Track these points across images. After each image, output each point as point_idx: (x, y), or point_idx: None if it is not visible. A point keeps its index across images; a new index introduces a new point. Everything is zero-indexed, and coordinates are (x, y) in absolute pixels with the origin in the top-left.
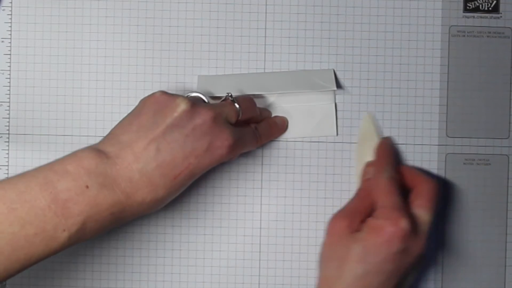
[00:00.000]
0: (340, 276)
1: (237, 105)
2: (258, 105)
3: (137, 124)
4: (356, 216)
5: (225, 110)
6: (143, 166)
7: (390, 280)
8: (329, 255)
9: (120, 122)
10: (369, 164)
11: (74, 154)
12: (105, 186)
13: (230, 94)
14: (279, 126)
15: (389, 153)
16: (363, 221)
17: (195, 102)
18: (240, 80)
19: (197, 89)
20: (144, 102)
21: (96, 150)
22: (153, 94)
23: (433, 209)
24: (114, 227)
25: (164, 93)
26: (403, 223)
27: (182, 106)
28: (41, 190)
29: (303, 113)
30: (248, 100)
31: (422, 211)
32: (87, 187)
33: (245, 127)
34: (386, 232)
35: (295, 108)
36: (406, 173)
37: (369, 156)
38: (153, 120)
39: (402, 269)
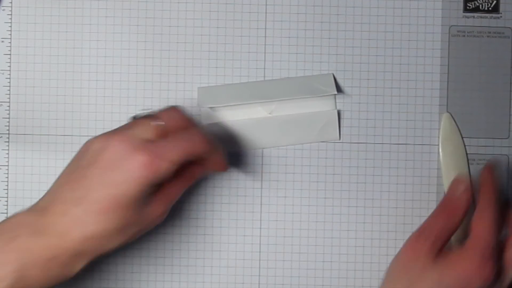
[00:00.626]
0: None
1: (161, 122)
2: (258, 115)
3: (63, 176)
4: (441, 238)
5: (136, 130)
6: (67, 208)
7: None
8: (402, 271)
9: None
10: (459, 181)
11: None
12: (35, 232)
13: (145, 113)
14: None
15: (495, 184)
16: (446, 242)
17: (110, 135)
18: (240, 89)
19: (198, 100)
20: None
21: (28, 209)
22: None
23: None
24: (68, 276)
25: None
26: (490, 269)
27: (94, 144)
28: None
29: (305, 120)
30: (171, 110)
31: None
32: (16, 236)
33: (176, 135)
34: (471, 271)
35: (297, 115)
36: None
37: (453, 159)
38: (75, 167)
39: None
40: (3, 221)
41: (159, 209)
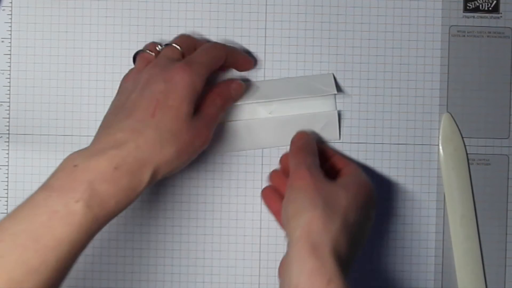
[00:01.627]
0: (329, 220)
1: (175, 45)
2: (258, 115)
3: (110, 113)
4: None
5: (164, 53)
6: (121, 126)
7: (368, 222)
8: (311, 194)
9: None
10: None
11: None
12: (92, 154)
13: (159, 47)
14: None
15: (307, 144)
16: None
17: (141, 69)
18: None
19: None
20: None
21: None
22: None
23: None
24: (138, 188)
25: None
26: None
27: (130, 77)
28: (36, 193)
29: (305, 120)
30: (183, 37)
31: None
32: (75, 165)
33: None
34: (368, 187)
35: (297, 115)
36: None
37: (453, 159)
38: (121, 101)
39: (367, 225)
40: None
41: (204, 122)
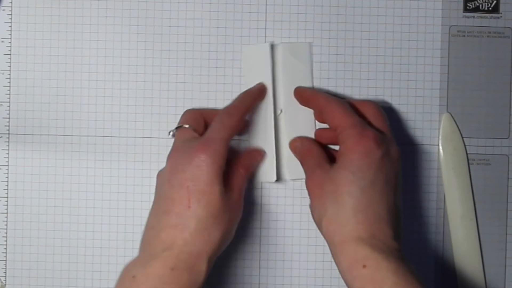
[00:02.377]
0: (341, 206)
1: (184, 125)
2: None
3: (151, 218)
4: (320, 157)
5: (178, 138)
6: (164, 225)
7: (385, 187)
8: (318, 193)
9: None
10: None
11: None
12: (146, 263)
13: (172, 130)
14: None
15: (316, 93)
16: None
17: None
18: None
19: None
20: None
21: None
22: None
23: (384, 122)
24: (199, 280)
25: None
26: (371, 132)
27: (162, 172)
28: None
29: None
30: (189, 113)
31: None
32: (133, 277)
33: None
34: (363, 146)
35: (302, 113)
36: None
37: (453, 159)
38: (158, 200)
39: (391, 173)
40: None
41: (236, 195)
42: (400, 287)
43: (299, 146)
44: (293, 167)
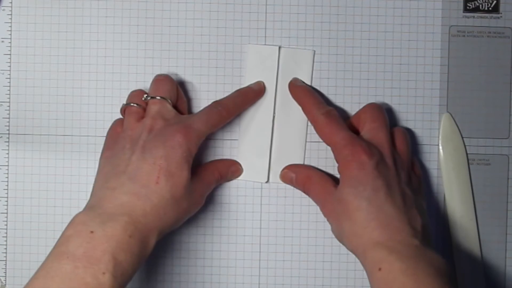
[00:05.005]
0: (354, 221)
1: (160, 97)
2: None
3: (101, 176)
4: (322, 181)
5: (155, 110)
6: (120, 191)
7: (389, 191)
8: (334, 217)
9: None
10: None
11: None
12: (105, 222)
13: (145, 97)
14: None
15: (310, 93)
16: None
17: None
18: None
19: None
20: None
21: (86, 208)
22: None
23: (383, 124)
24: (146, 253)
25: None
26: (360, 146)
27: (119, 126)
28: (59, 261)
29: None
30: (164, 82)
31: (374, 131)
32: (91, 232)
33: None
34: (356, 161)
35: (298, 113)
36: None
37: (453, 159)
38: (115, 160)
39: (390, 177)
40: (67, 226)
41: (200, 191)
42: (407, 287)
43: (294, 176)
44: (279, 171)
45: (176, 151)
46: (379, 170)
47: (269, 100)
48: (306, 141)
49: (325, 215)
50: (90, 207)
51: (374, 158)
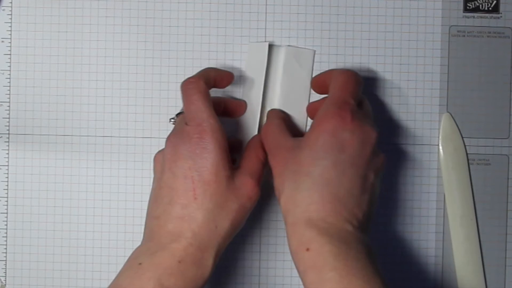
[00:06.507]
0: (298, 185)
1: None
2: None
3: (151, 203)
4: (282, 132)
5: (178, 121)
6: (169, 216)
7: (350, 169)
8: (280, 171)
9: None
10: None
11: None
12: (153, 253)
13: (172, 118)
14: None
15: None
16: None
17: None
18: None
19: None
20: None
21: (142, 241)
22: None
23: (349, 91)
24: (205, 274)
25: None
26: (347, 111)
27: (157, 156)
28: None
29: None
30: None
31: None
32: (139, 264)
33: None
34: (332, 124)
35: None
36: (320, 80)
37: (453, 159)
38: (156, 184)
39: (359, 156)
40: (128, 259)
41: (248, 182)
42: (339, 271)
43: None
44: None
45: (205, 157)
46: (351, 145)
47: (257, 96)
48: None
49: (271, 165)
50: (144, 240)
51: (351, 130)
